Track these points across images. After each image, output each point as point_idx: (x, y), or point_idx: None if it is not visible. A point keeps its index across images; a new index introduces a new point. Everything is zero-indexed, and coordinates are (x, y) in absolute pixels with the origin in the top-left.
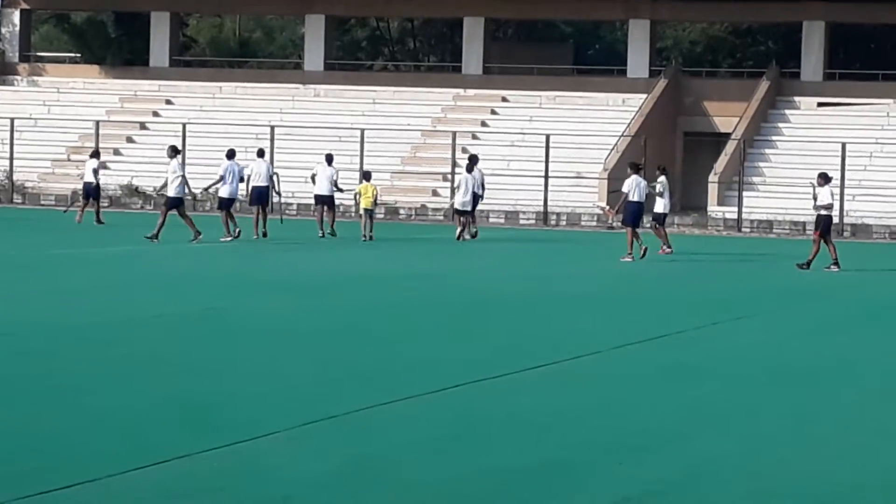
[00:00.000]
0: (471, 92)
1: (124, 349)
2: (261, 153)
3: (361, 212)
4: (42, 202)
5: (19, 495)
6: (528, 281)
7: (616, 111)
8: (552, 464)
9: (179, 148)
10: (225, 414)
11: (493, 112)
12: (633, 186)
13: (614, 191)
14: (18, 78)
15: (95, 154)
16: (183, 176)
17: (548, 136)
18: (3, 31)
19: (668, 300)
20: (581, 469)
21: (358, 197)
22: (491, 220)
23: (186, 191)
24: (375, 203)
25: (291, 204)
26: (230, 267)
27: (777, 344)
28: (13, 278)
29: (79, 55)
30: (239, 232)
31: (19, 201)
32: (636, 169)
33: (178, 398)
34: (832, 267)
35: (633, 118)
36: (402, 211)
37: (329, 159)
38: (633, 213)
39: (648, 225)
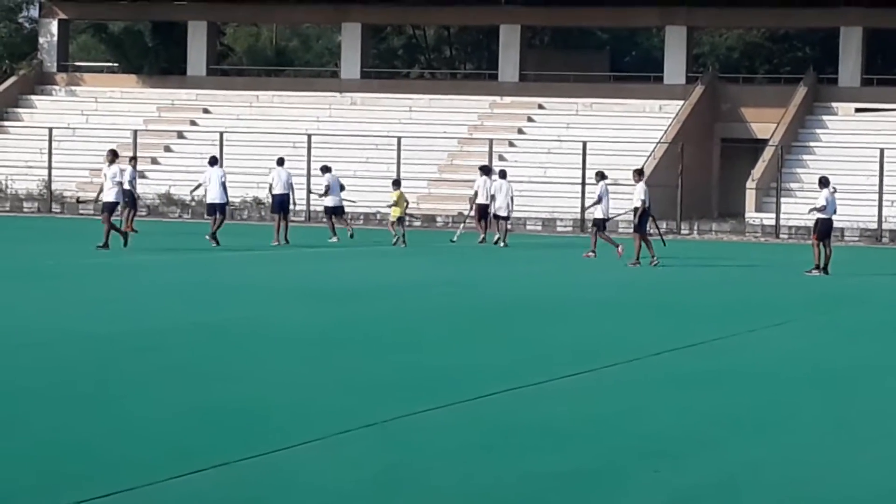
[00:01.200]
0: (507, 99)
1: (159, 358)
2: (280, 161)
3: (394, 220)
4: (80, 211)
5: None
6: (563, 288)
7: (653, 118)
8: (587, 471)
9: (119, 153)
10: (260, 423)
11: (530, 119)
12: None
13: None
14: (57, 88)
15: (132, 161)
16: (120, 182)
17: (584, 143)
18: (42, 41)
19: (704, 307)
20: (617, 476)
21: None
22: (528, 227)
23: (118, 197)
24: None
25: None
26: (263, 276)
27: (814, 350)
28: (48, 287)
29: (116, 64)
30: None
31: (58, 210)
32: (640, 176)
33: (213, 407)
34: (813, 271)
35: (669, 125)
36: (438, 218)
37: (280, 161)
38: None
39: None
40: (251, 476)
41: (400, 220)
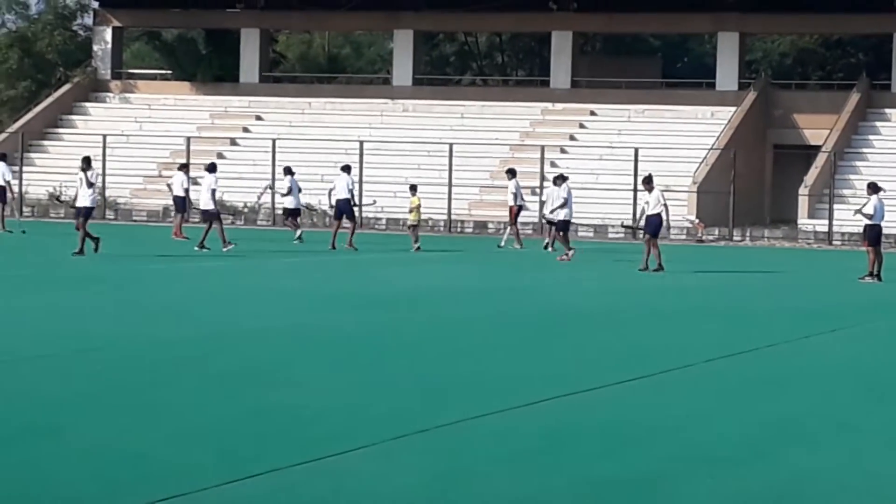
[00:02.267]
0: (559, 106)
1: (216, 364)
2: (345, 168)
3: (410, 224)
4: (134, 218)
5: None
6: (616, 294)
7: (705, 124)
8: (642, 477)
9: (92, 158)
10: (314, 428)
11: (582, 126)
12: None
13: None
14: (111, 95)
15: (184, 168)
16: (93, 184)
17: (636, 150)
18: (96, 48)
19: (757, 313)
20: (672, 482)
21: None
22: (580, 233)
23: (93, 202)
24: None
25: (381, 219)
26: (318, 282)
27: (870, 356)
28: (106, 294)
29: (170, 72)
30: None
31: (112, 217)
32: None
33: (269, 412)
34: (867, 278)
35: (722, 131)
36: (490, 225)
37: (346, 168)
38: (656, 225)
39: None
40: (304, 481)
41: (413, 226)
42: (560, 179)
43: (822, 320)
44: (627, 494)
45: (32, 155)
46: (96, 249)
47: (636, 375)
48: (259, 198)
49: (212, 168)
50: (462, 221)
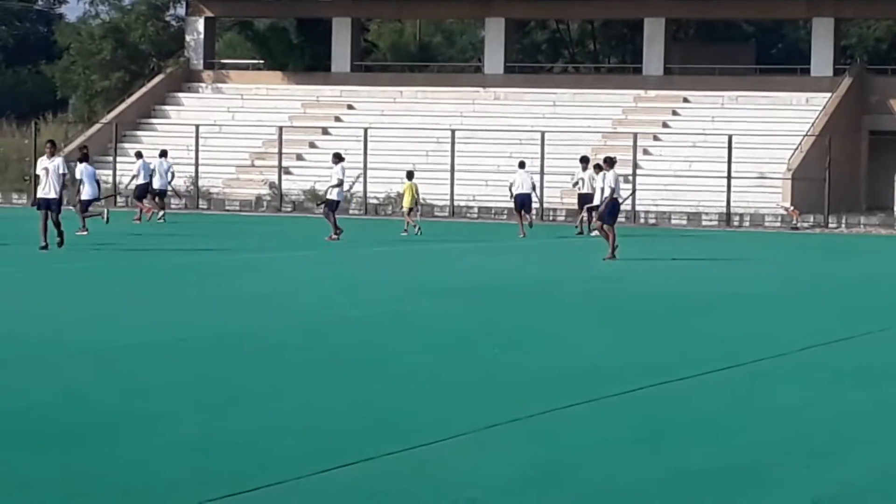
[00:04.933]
0: (651, 93)
1: (307, 353)
2: (522, 164)
3: (405, 209)
4: (227, 207)
5: (208, 497)
6: (708, 283)
7: (799, 110)
8: (738, 466)
9: (57, 144)
10: (409, 417)
11: (675, 113)
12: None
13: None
14: (203, 85)
15: (163, 154)
16: (64, 175)
17: (730, 137)
18: (188, 39)
19: (852, 302)
20: (767, 472)
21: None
22: (673, 220)
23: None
24: (417, 202)
25: (472, 207)
26: (405, 271)
27: None
28: (196, 283)
29: (262, 62)
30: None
31: (205, 207)
32: (611, 164)
33: (362, 401)
34: None
35: (816, 117)
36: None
37: (522, 164)
38: (614, 210)
39: None
40: (398, 470)
41: (411, 210)
42: (519, 165)
43: None
44: (723, 484)
45: (126, 145)
46: (61, 243)
47: (729, 364)
48: (350, 186)
49: (338, 158)
50: (554, 209)
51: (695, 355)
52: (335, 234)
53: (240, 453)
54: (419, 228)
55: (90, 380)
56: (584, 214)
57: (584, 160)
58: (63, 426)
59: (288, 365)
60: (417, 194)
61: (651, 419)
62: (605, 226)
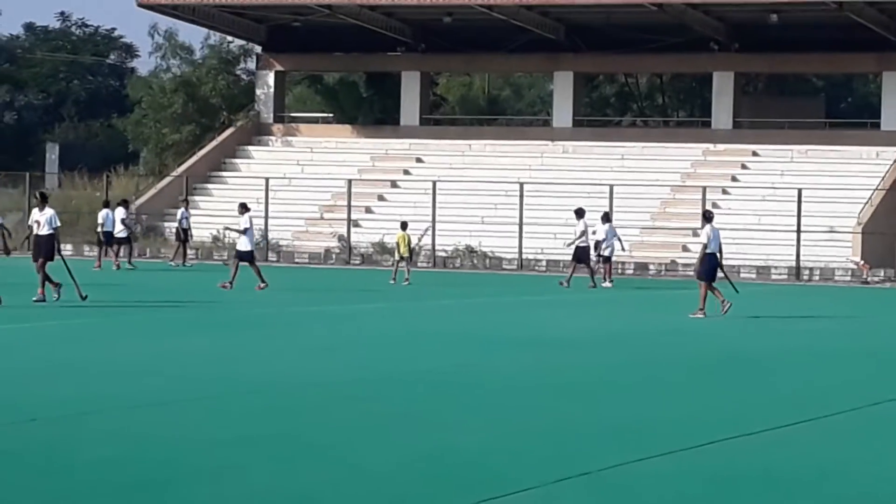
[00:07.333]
0: (721, 146)
1: (376, 406)
2: (605, 217)
3: (398, 258)
4: (296, 260)
5: None
6: (779, 336)
7: (870, 164)
8: None
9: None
10: (479, 470)
11: (744, 167)
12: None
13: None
14: (273, 138)
15: (123, 203)
16: (54, 226)
17: (800, 191)
18: (259, 92)
19: None
20: None
21: (398, 246)
22: (742, 274)
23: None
24: (410, 251)
25: (541, 260)
26: (472, 324)
27: None
28: (263, 336)
29: (331, 115)
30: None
31: (274, 259)
32: (708, 219)
33: (431, 455)
34: None
35: (887, 171)
36: (651, 266)
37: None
38: (712, 266)
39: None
40: None
41: (402, 258)
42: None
43: None
44: None
45: (197, 198)
46: (58, 296)
47: (802, 418)
48: (419, 239)
49: (244, 208)
50: (623, 263)
51: (767, 409)
52: (230, 283)
53: None
54: (408, 278)
55: (160, 431)
56: (572, 268)
57: (579, 213)
58: (136, 476)
59: (361, 418)
60: (409, 244)
61: (722, 473)
62: (702, 282)
